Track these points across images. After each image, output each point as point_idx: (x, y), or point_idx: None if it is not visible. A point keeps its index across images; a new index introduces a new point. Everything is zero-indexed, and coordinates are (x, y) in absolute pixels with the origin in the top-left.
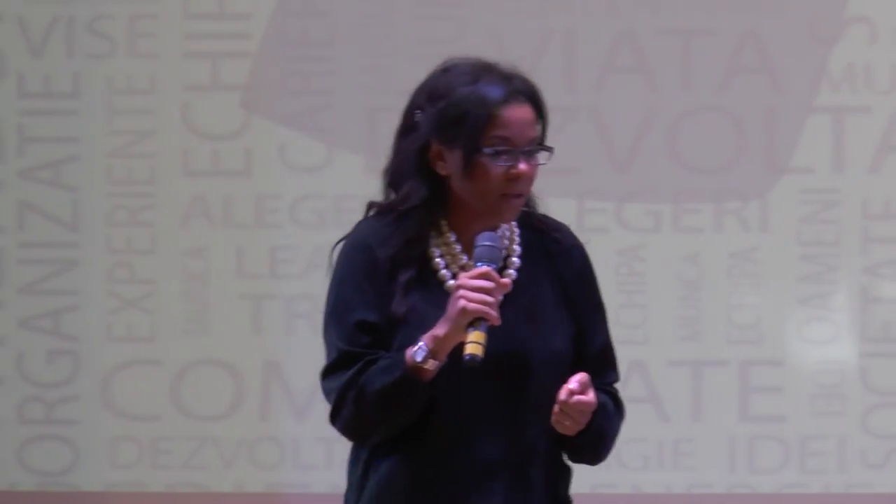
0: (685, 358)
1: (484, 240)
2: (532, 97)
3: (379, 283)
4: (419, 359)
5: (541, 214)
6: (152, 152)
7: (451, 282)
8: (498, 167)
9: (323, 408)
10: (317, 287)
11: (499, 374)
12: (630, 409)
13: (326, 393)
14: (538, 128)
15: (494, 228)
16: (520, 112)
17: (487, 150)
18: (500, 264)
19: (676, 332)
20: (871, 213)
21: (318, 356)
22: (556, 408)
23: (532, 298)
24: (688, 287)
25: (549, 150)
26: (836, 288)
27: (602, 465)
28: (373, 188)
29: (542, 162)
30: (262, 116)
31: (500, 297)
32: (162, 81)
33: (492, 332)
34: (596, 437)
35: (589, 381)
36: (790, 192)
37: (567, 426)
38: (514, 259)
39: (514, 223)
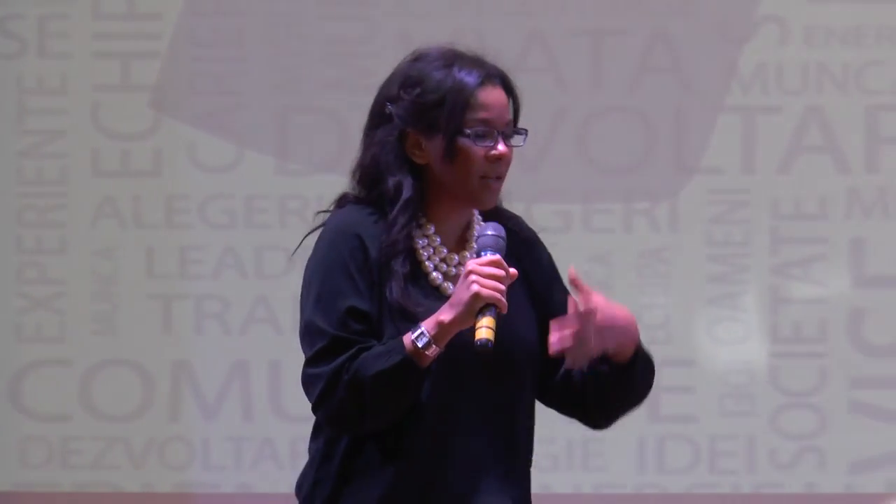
0: None
1: (487, 229)
2: (504, 81)
3: (369, 273)
4: (421, 344)
5: (500, 207)
6: (62, 152)
7: (435, 274)
8: (479, 149)
9: (232, 407)
10: (227, 287)
11: (481, 369)
12: (539, 409)
13: (311, 379)
14: (510, 111)
15: (469, 221)
16: (495, 94)
17: (468, 132)
18: (504, 252)
19: None
20: (781, 213)
21: (227, 355)
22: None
23: (508, 295)
24: (597, 287)
25: (525, 132)
26: (746, 288)
27: None
28: (282, 188)
29: (518, 144)
30: (171, 116)
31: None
32: (72, 81)
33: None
34: (645, 361)
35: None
36: (700, 193)
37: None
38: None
39: (478, 215)
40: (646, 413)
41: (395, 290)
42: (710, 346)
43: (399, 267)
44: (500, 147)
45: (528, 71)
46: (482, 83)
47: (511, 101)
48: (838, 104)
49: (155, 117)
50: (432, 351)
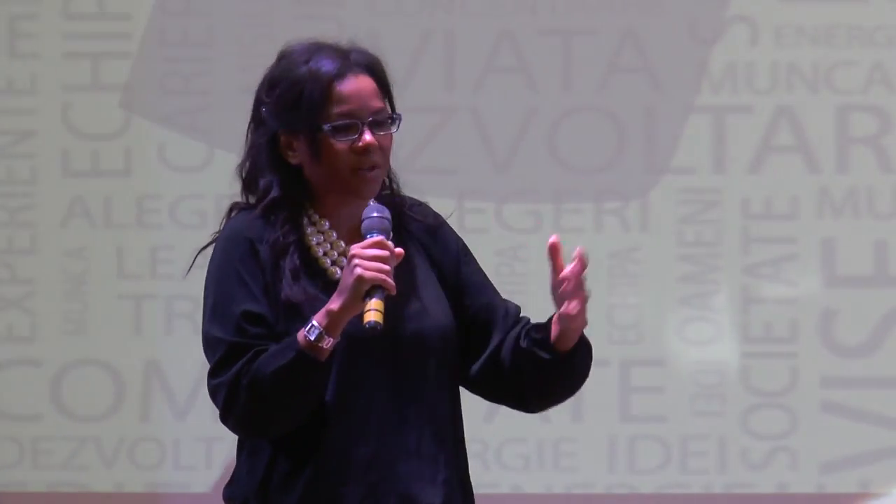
0: None
1: (371, 211)
2: (371, 68)
3: (262, 275)
4: (313, 337)
5: (400, 195)
6: (32, 152)
7: (334, 268)
8: (342, 142)
9: (203, 407)
10: (198, 287)
11: (393, 356)
12: (509, 409)
13: (215, 389)
14: (382, 98)
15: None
16: (357, 83)
17: (327, 127)
18: (389, 233)
19: None
20: (752, 213)
21: (199, 356)
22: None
23: (413, 280)
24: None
25: (398, 117)
26: (717, 288)
27: (481, 464)
28: None
29: (392, 131)
30: (142, 116)
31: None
32: (42, 81)
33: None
34: (586, 350)
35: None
36: (670, 192)
37: (579, 314)
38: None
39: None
40: (617, 413)
41: (285, 288)
42: (680, 346)
43: (288, 265)
44: (366, 137)
45: (498, 71)
46: (339, 74)
47: (382, 87)
48: (809, 104)
49: (125, 117)
50: (326, 342)
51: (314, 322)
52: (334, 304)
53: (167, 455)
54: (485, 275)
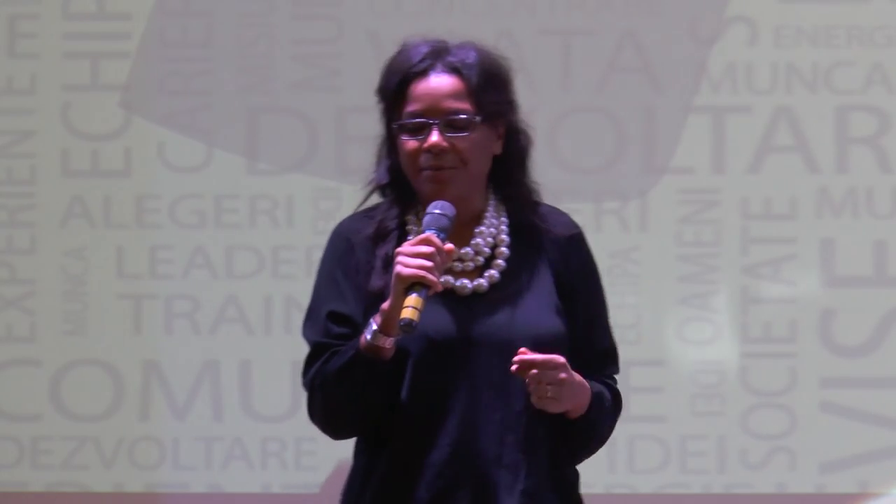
0: None
1: (433, 208)
2: (461, 69)
3: (355, 275)
4: (369, 336)
5: (535, 203)
6: (32, 152)
7: None
8: (409, 142)
9: (202, 407)
10: (197, 287)
11: (478, 360)
12: None
13: (304, 389)
14: (465, 99)
15: (479, 214)
16: (432, 83)
17: (395, 126)
18: (448, 231)
19: None
20: (751, 213)
21: (198, 356)
22: (527, 381)
23: (520, 287)
24: None
25: (471, 120)
26: (716, 288)
27: None
28: (252, 188)
29: (467, 133)
30: (141, 116)
31: (445, 263)
32: (41, 81)
33: (473, 320)
34: (588, 427)
35: (557, 362)
36: (670, 192)
37: (548, 399)
38: (503, 249)
39: (502, 211)
40: None
41: (373, 278)
42: (680, 346)
43: (380, 253)
44: (431, 138)
45: None
46: (418, 73)
47: (470, 89)
48: (808, 104)
49: (125, 117)
50: (385, 342)
51: (371, 322)
52: (386, 303)
53: (167, 455)
54: (601, 307)
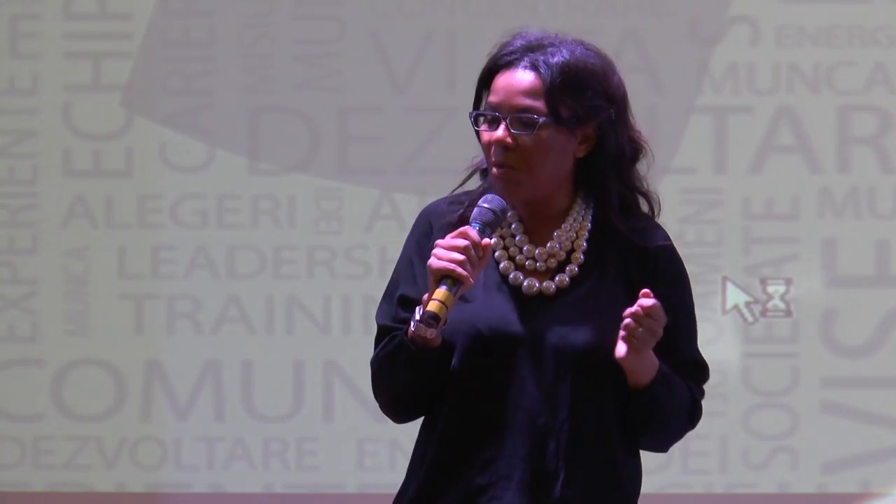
0: None
1: (483, 201)
2: (539, 67)
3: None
4: (413, 327)
5: (628, 211)
6: (34, 152)
7: (505, 263)
8: (484, 133)
9: (204, 407)
10: (199, 287)
11: (525, 363)
12: None
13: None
14: (539, 98)
15: (565, 210)
16: (510, 78)
17: (472, 114)
18: (494, 225)
19: None
20: (753, 213)
21: (199, 355)
22: (627, 321)
23: (589, 294)
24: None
25: (537, 119)
26: (718, 288)
27: None
28: (254, 187)
29: (529, 132)
30: (143, 116)
31: (483, 258)
32: (43, 81)
33: (530, 321)
34: (651, 403)
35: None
36: (672, 193)
37: (636, 341)
38: (579, 254)
39: (588, 214)
40: None
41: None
42: None
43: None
44: (498, 132)
45: None
46: (501, 66)
47: (548, 89)
48: (810, 104)
49: (126, 117)
50: (428, 332)
51: (417, 310)
52: (426, 294)
53: (168, 455)
54: (687, 320)
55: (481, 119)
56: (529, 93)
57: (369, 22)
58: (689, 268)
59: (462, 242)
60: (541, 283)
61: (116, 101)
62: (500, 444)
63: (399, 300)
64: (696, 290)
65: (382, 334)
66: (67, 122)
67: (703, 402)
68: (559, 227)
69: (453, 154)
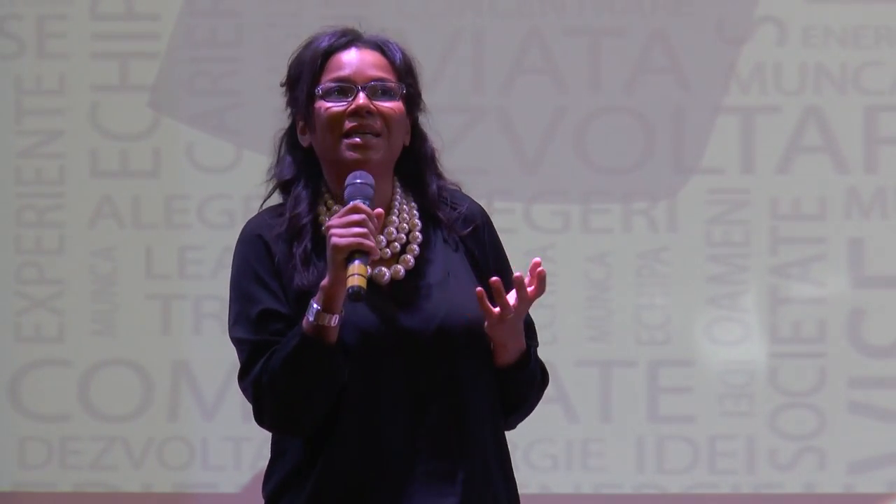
0: (594, 358)
1: (353, 178)
2: (382, 47)
3: (277, 273)
4: (312, 317)
5: (441, 187)
6: (61, 152)
7: None
8: (333, 106)
9: (231, 407)
10: (226, 287)
11: (414, 350)
12: (538, 410)
13: (245, 392)
14: (390, 73)
15: (390, 194)
16: (357, 55)
17: (319, 90)
18: (373, 200)
19: (585, 332)
20: (780, 213)
21: (227, 355)
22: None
23: (440, 272)
24: (596, 287)
25: (397, 89)
26: (745, 288)
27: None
28: None
29: (395, 102)
30: (170, 117)
31: (378, 228)
32: (70, 82)
33: (400, 309)
34: (529, 378)
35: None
36: (699, 193)
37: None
38: (417, 233)
39: (409, 198)
40: (645, 413)
41: (295, 276)
42: (709, 346)
43: (298, 251)
44: (359, 100)
45: (526, 71)
46: (341, 46)
47: (394, 65)
48: (837, 104)
49: (153, 117)
50: (329, 320)
51: (312, 303)
52: (324, 280)
53: (196, 455)
54: (512, 280)
55: (330, 93)
56: (380, 67)
57: (396, 22)
58: (717, 268)
59: (358, 216)
60: (389, 269)
61: (143, 101)
62: (401, 435)
63: (262, 316)
64: (723, 290)
65: (259, 349)
66: (94, 122)
67: (731, 403)
68: (388, 213)
69: (480, 154)
